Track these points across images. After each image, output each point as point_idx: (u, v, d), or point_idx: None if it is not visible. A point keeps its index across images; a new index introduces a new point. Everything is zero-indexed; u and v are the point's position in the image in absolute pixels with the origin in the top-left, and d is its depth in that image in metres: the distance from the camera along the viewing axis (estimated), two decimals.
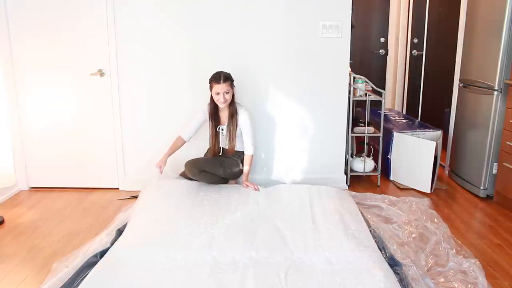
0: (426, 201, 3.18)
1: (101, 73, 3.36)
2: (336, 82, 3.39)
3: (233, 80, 3.03)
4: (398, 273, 2.08)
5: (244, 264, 2.07)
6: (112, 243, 2.33)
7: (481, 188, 3.35)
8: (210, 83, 3.00)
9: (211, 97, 3.06)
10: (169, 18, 3.28)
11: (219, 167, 3.04)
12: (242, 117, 3.06)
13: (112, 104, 3.41)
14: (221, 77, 2.95)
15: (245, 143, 3.11)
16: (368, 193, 3.35)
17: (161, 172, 3.09)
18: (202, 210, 2.66)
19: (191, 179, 3.09)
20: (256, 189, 2.99)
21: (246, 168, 3.13)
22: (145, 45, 3.31)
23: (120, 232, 2.48)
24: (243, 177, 3.14)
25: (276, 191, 3.00)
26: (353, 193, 3.35)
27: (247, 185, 3.04)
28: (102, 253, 2.21)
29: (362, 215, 2.73)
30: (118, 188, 3.53)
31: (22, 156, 3.49)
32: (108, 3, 3.22)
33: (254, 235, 2.33)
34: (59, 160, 3.51)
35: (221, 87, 2.95)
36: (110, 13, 3.24)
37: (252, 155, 3.14)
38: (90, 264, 2.13)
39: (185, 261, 2.09)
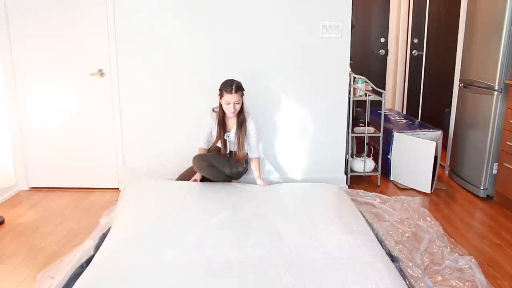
0: (418, 199, 3.18)
1: (101, 73, 3.36)
2: (336, 82, 3.39)
3: (244, 90, 2.99)
4: (397, 269, 2.07)
5: (240, 262, 2.02)
6: (97, 249, 2.22)
7: (481, 188, 3.35)
8: (220, 91, 2.95)
9: (220, 105, 3.02)
10: (169, 18, 3.28)
11: (226, 164, 3.05)
12: (250, 126, 3.07)
13: (112, 104, 3.41)
14: (233, 88, 2.89)
15: (251, 146, 3.12)
16: (360, 190, 3.37)
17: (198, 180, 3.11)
18: (192, 207, 2.62)
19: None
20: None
21: (257, 173, 3.17)
22: (145, 45, 3.31)
23: (104, 236, 2.36)
24: (257, 180, 3.16)
25: (271, 189, 3.00)
26: (345, 188, 3.35)
27: (266, 183, 3.13)
28: (88, 261, 2.10)
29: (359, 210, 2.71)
30: (118, 188, 3.53)
31: (22, 156, 3.49)
32: (108, 2, 3.22)
33: (249, 232, 2.29)
34: (59, 160, 3.51)
35: (232, 98, 2.90)
36: (110, 13, 3.24)
37: (259, 157, 3.19)
38: (76, 276, 1.99)
39: (178, 261, 2.02)
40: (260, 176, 3.18)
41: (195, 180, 3.09)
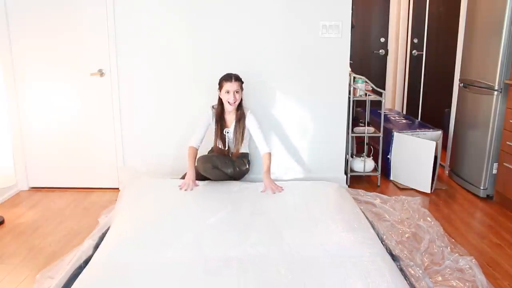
0: (418, 199, 3.18)
1: (101, 73, 3.36)
2: (336, 82, 3.39)
3: (242, 82, 3.03)
4: (398, 268, 2.07)
5: (240, 260, 2.00)
6: (96, 248, 2.20)
7: (481, 188, 3.35)
8: (220, 83, 3.00)
9: (219, 100, 3.04)
10: (169, 18, 3.28)
11: (230, 165, 3.04)
12: (249, 120, 3.05)
13: (112, 104, 3.41)
14: (232, 77, 2.97)
15: (258, 143, 3.06)
16: (360, 190, 3.37)
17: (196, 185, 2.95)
18: (192, 206, 2.61)
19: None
20: (280, 191, 2.87)
21: (264, 168, 2.99)
22: (145, 45, 3.31)
23: (103, 236, 2.35)
24: (265, 178, 2.94)
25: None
26: (345, 187, 3.35)
27: (270, 182, 2.90)
28: (87, 261, 2.09)
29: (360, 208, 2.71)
30: (118, 188, 3.53)
31: (22, 156, 3.49)
32: (108, 2, 3.22)
33: (248, 231, 2.27)
34: (59, 160, 3.51)
35: (231, 85, 2.94)
36: (110, 12, 3.24)
37: (270, 153, 3.04)
38: (75, 276, 1.98)
39: (177, 260, 2.00)
40: (267, 172, 2.96)
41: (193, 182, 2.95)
